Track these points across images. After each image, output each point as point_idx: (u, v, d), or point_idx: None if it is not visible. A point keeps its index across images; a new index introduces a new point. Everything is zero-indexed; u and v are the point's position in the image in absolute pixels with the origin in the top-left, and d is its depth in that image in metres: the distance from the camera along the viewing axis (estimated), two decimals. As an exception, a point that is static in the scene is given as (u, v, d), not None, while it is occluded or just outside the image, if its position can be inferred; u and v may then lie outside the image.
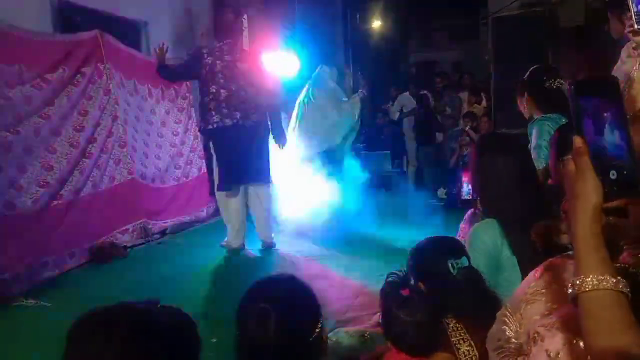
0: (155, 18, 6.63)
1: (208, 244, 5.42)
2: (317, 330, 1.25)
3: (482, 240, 2.01)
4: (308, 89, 6.71)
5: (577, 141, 0.83)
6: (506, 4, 13.22)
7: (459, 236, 2.54)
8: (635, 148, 0.82)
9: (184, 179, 6.60)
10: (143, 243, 5.44)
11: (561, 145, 1.99)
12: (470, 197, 2.27)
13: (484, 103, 9.00)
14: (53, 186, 4.60)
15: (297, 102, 6.67)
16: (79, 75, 5.08)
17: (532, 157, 2.94)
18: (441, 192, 8.34)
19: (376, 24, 14.79)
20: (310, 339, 1.24)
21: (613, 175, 0.81)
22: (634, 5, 2.01)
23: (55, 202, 4.60)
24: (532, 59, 7.12)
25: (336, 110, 6.49)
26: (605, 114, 0.83)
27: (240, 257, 5.06)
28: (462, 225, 2.66)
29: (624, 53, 2.43)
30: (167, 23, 6.76)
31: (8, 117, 4.28)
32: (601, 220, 0.83)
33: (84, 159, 5.01)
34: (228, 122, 5.00)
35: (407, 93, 9.39)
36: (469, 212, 2.47)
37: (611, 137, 0.83)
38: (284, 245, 5.29)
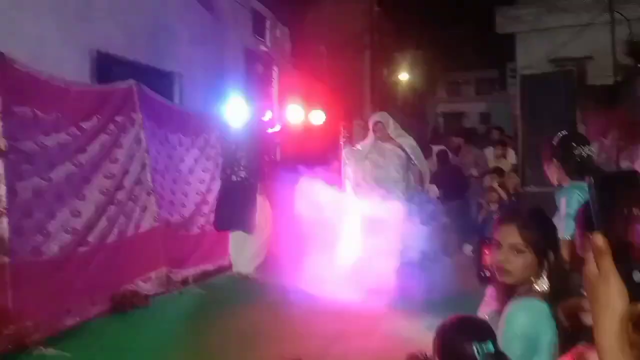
0: (190, 70, 6.85)
1: (229, 297, 5.38)
2: None
3: (521, 321, 1.90)
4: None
5: (598, 240, 0.76)
6: (534, 58, 13.33)
7: (482, 310, 2.45)
8: None
9: (208, 226, 6.63)
10: (165, 292, 5.41)
11: (587, 221, 1.92)
12: (490, 274, 2.17)
13: (511, 158, 8.92)
14: (80, 232, 4.67)
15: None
16: (112, 124, 5.23)
17: (559, 226, 2.88)
18: (467, 249, 8.18)
19: (403, 76, 15.02)
20: None
21: (637, 276, 0.74)
22: None
23: (81, 249, 4.66)
24: (560, 116, 7.10)
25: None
26: (630, 209, 0.79)
27: (261, 311, 4.96)
28: (488, 291, 2.57)
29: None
30: (200, 75, 6.98)
31: (42, 164, 4.41)
32: (628, 330, 0.77)
33: (111, 206, 5.10)
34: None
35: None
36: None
37: (635, 234, 0.78)
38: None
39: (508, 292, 2.13)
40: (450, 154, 8.94)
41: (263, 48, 8.30)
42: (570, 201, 2.85)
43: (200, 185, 6.66)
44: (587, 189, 0.84)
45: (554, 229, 2.15)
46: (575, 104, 7.15)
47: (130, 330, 4.35)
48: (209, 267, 6.29)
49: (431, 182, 8.70)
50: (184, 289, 5.64)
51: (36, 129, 4.40)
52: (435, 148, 9.18)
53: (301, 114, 7.60)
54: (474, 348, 1.57)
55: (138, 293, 5.06)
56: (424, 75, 19.11)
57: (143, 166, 5.61)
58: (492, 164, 8.62)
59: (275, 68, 8.40)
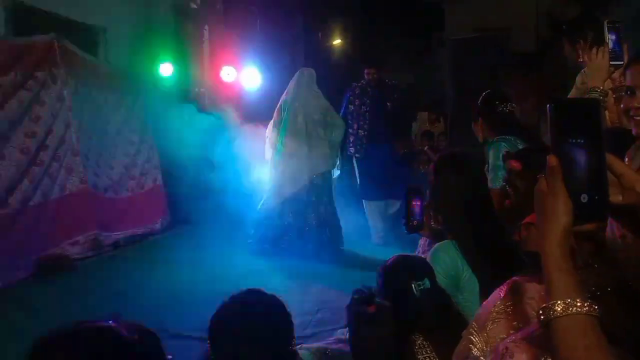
0: (115, 25, 6.47)
1: (161, 259, 5.26)
2: (292, 345, 1.24)
3: (443, 260, 2.02)
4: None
5: (552, 160, 0.81)
6: (461, 28, 13.66)
7: (419, 252, 2.56)
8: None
9: (139, 190, 6.41)
10: (94, 256, 5.22)
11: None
12: (418, 223, 2.25)
13: (441, 123, 9.21)
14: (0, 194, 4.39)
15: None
16: (31, 80, 4.89)
17: (489, 177, 3.03)
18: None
19: (337, 42, 15.01)
20: (285, 355, 1.22)
21: (584, 198, 0.79)
22: (610, 42, 2.05)
23: (1, 211, 4.38)
24: (485, 81, 7.35)
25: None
26: (582, 137, 0.81)
27: (192, 273, 4.86)
28: (421, 241, 2.68)
29: (578, 79, 2.54)
30: (126, 31, 6.61)
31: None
32: (570, 242, 0.83)
33: (33, 167, 4.81)
34: None
35: None
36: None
37: (587, 160, 0.81)
38: (242, 258, 5.18)
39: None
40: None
41: (193, 6, 7.98)
42: (498, 152, 3.00)
43: (129, 146, 6.41)
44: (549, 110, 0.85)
45: None
46: (498, 70, 7.43)
47: (56, 295, 4.16)
48: (139, 230, 6.09)
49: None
50: (114, 253, 5.47)
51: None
52: None
53: (234, 75, 7.47)
54: (412, 287, 1.64)
55: (65, 256, 4.86)
56: (355, 43, 19.09)
57: (67, 125, 5.30)
58: (425, 127, 8.85)
59: (206, 27, 8.13)
